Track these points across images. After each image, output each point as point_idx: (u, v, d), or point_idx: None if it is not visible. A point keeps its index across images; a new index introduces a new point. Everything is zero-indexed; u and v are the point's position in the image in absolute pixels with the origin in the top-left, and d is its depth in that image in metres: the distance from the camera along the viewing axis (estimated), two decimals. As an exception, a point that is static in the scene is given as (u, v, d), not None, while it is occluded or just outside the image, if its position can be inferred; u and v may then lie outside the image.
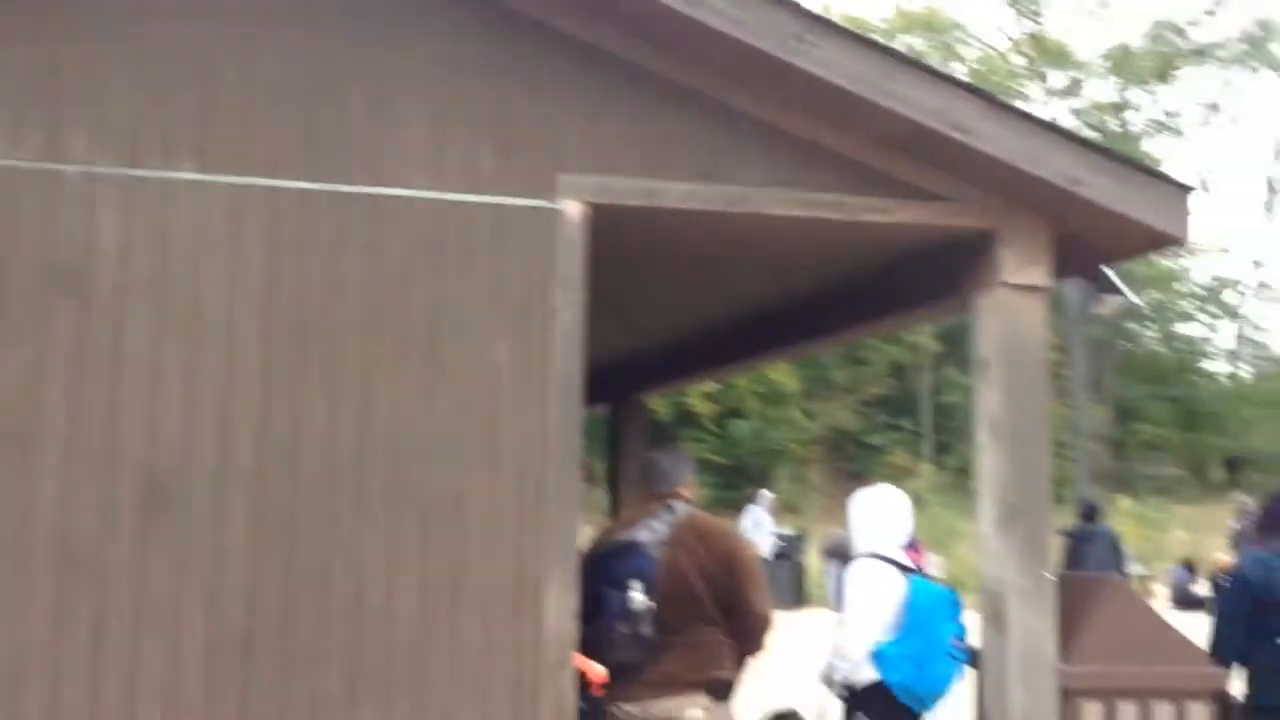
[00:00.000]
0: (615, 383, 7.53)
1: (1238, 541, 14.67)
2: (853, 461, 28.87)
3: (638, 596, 4.00)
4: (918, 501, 21.04)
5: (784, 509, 22.95)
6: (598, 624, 4.02)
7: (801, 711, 4.96)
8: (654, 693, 4.07)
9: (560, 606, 3.83)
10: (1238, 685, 4.86)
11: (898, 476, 25.93)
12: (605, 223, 4.00)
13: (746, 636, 4.16)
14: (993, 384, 4.45)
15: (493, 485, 3.82)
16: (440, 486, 3.79)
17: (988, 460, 4.46)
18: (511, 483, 3.84)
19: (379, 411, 3.76)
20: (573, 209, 3.95)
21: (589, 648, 4.22)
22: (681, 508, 4.27)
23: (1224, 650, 4.82)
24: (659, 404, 25.81)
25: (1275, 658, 4.67)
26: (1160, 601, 15.71)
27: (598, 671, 4.17)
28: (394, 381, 3.78)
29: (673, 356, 7.03)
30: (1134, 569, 18.76)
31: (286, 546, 3.66)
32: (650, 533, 4.17)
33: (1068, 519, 14.64)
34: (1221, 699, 4.76)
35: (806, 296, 5.67)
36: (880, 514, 4.66)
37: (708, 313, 6.21)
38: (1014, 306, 4.46)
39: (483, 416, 3.84)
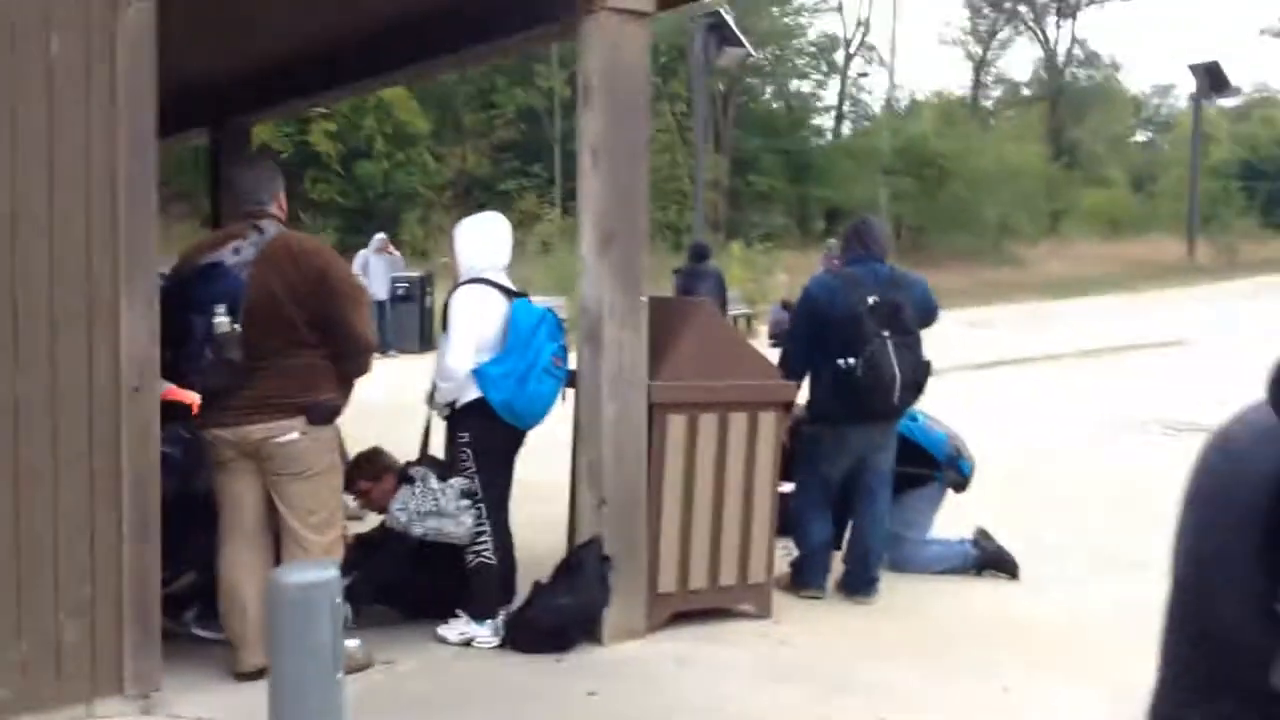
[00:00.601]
0: (214, 105, 6.98)
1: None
2: (483, 206, 28.86)
3: (222, 320, 3.83)
4: (545, 248, 21.24)
5: (413, 253, 22.76)
6: (185, 349, 3.84)
7: (386, 450, 5.04)
8: (248, 418, 3.98)
9: (139, 329, 3.62)
10: (803, 397, 5.40)
11: (527, 222, 26.23)
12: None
13: (346, 358, 4.10)
14: (594, 110, 4.50)
15: (52, 199, 3.47)
16: (-13, 200, 3.39)
17: (588, 186, 4.56)
18: (75, 196, 3.50)
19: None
20: (137, -110, 3.49)
21: (178, 374, 4.05)
22: (271, 227, 4.06)
23: (792, 366, 5.31)
24: (278, 143, 24.43)
25: (834, 375, 5.18)
26: (762, 339, 17.13)
27: (190, 398, 4.01)
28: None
29: (276, 77, 6.56)
30: (739, 308, 20.27)
31: None
32: (235, 254, 3.96)
33: (683, 261, 15.47)
34: (789, 409, 5.29)
35: (414, 17, 5.42)
36: (482, 239, 4.67)
37: (309, 30, 5.81)
38: (617, 31, 4.47)
39: (36, 123, 3.44)
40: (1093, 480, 8.33)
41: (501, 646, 4.52)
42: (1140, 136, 53.23)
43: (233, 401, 3.96)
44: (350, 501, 5.46)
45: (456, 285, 4.62)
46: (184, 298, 3.85)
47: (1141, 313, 22.93)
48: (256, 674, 3.93)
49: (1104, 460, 9.24)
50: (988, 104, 48.04)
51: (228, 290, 3.87)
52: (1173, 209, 39.74)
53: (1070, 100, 46.75)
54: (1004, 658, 4.59)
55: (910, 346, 5.24)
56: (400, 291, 17.81)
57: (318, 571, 2.84)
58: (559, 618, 4.48)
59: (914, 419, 5.93)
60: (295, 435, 4.00)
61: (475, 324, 4.47)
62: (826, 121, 41.83)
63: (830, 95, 41.81)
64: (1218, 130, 44.07)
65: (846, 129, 42.13)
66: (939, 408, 6.38)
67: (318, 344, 4.02)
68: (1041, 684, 4.28)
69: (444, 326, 4.61)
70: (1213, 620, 0.95)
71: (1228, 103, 43.34)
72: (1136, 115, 52.04)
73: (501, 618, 4.57)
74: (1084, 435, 10.30)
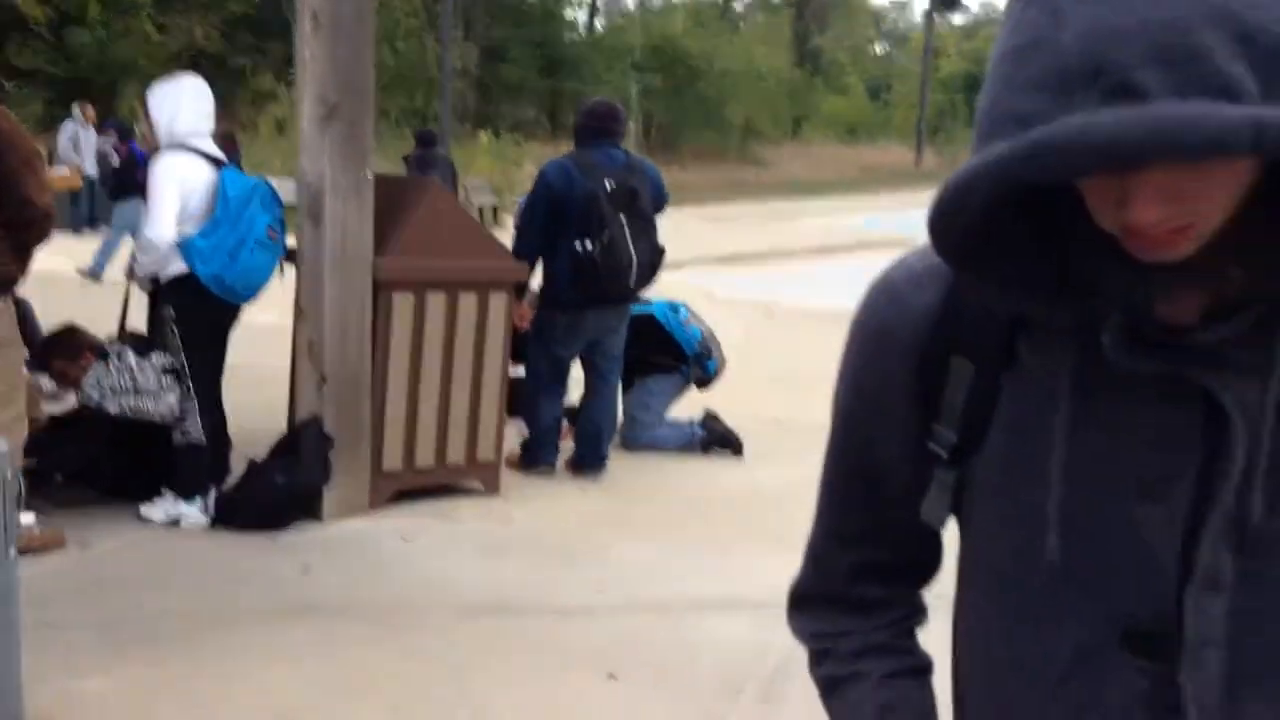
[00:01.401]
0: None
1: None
2: (214, 84, 27.02)
3: None
4: (281, 129, 20.16)
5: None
6: None
7: (81, 326, 4.74)
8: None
9: None
10: (537, 280, 5.37)
11: (261, 102, 24.89)
12: None
13: (18, 226, 3.73)
14: (314, -30, 4.24)
15: None
16: None
17: (309, 54, 4.32)
18: None
19: None
20: None
21: None
22: None
23: (525, 248, 5.25)
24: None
25: (571, 258, 5.15)
26: (509, 230, 16.99)
27: None
28: None
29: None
30: (487, 199, 19.99)
31: None
32: None
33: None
34: (520, 290, 5.26)
35: None
36: (179, 104, 4.34)
37: None
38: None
39: None
40: (816, 360, 8.75)
41: (213, 526, 4.35)
42: (879, 48, 55.44)
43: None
44: (45, 382, 5.11)
45: (156, 154, 4.31)
46: None
47: (872, 214, 24.12)
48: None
49: (829, 343, 9.71)
50: (738, 7, 48.74)
51: None
52: (905, 118, 41.75)
53: (815, 9, 48.04)
54: (723, 527, 4.79)
55: (647, 232, 5.28)
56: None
57: (-16, 444, 2.62)
58: (274, 496, 4.35)
59: (676, 310, 6.07)
60: (-33, 305, 3.65)
61: (177, 193, 4.19)
62: (580, 16, 41.43)
63: (583, -13, 41.38)
64: (948, 45, 46.43)
65: (599, 25, 41.86)
66: (676, 296, 6.51)
67: None
68: (756, 550, 4.48)
69: (143, 197, 4.29)
70: (869, 455, 0.96)
71: (959, 20, 45.67)
72: (876, 27, 54.12)
73: (212, 496, 4.40)
74: (811, 320, 10.78)
